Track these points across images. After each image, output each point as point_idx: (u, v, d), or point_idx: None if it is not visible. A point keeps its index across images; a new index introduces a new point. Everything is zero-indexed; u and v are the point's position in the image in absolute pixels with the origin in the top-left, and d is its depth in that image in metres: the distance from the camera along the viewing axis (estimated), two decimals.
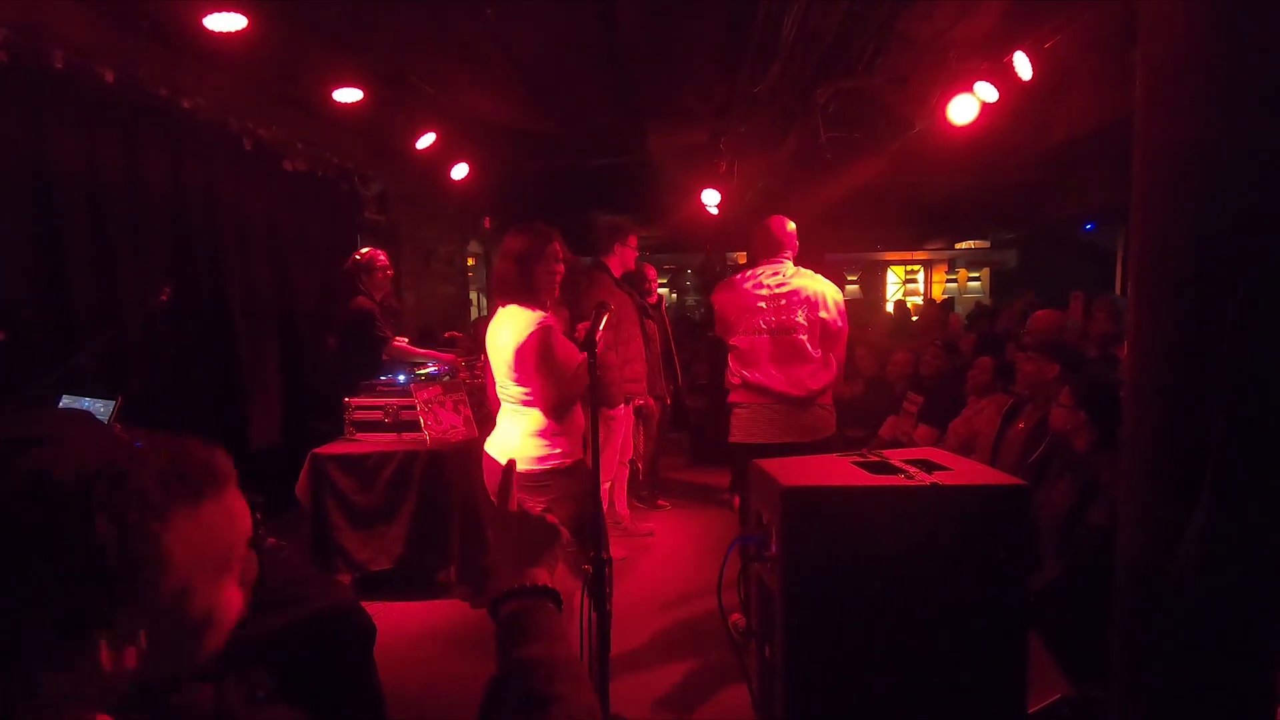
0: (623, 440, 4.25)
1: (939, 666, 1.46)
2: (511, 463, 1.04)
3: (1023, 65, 3.78)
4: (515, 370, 2.28)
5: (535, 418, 2.31)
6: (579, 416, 2.37)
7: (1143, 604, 1.44)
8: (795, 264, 3.04)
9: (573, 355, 2.26)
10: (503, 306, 2.36)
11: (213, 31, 3.24)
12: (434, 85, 4.69)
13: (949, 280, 12.47)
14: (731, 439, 3.03)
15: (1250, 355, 1.26)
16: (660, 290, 5.36)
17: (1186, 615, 1.38)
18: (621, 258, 4.01)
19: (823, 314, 2.94)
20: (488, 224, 9.32)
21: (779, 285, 2.96)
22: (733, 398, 3.04)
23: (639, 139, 6.10)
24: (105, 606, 0.63)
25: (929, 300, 11.31)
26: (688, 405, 6.27)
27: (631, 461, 5.11)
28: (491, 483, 2.40)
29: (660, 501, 5.11)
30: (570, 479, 2.28)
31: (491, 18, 3.74)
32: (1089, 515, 2.08)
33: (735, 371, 3.01)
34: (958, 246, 12.23)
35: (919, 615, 1.45)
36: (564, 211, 4.83)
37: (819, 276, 3.04)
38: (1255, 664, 1.31)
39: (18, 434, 1.09)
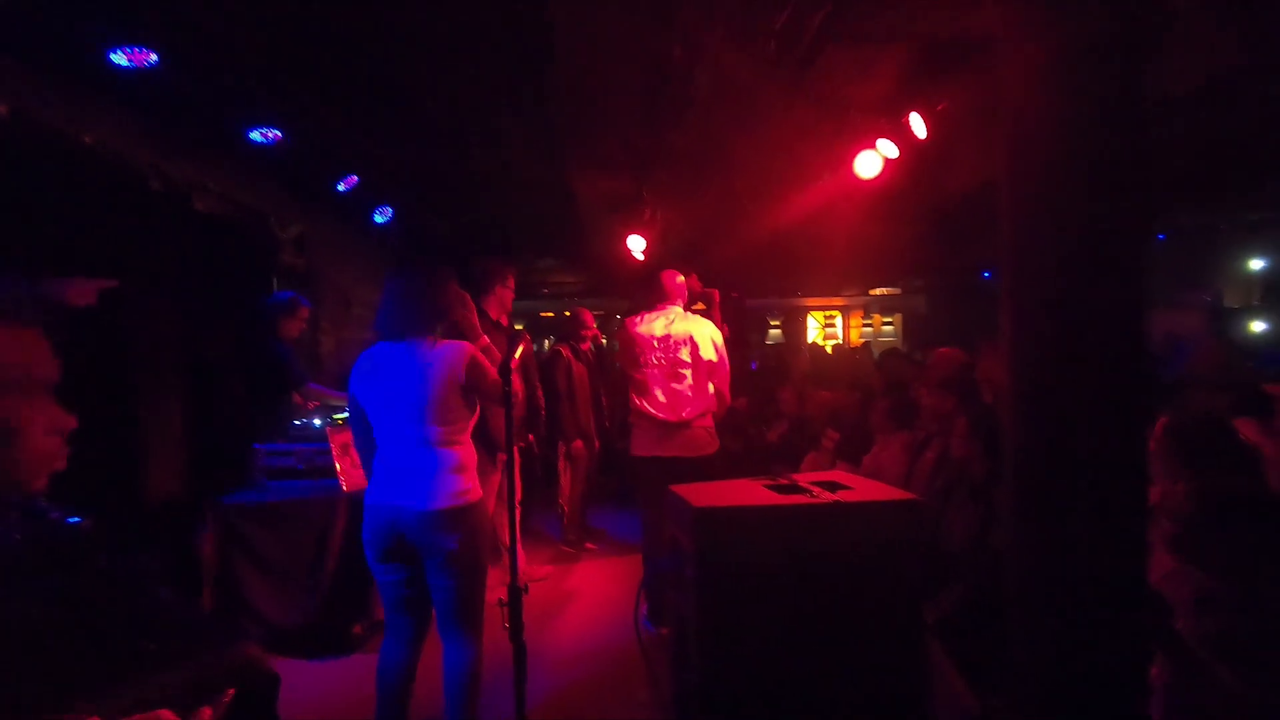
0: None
1: (849, 676, 1.50)
2: None
3: (917, 125, 4.11)
4: (435, 405, 2.22)
5: (450, 456, 2.24)
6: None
7: (1031, 610, 1.54)
8: (687, 309, 3.76)
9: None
10: (400, 343, 2.26)
11: (119, 66, 3.16)
12: (355, 127, 4.67)
13: (865, 325, 13.09)
14: (631, 452, 3.76)
15: (1101, 389, 1.41)
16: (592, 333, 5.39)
17: (1069, 618, 1.48)
18: (500, 299, 3.98)
19: (703, 353, 3.60)
20: None
21: (667, 328, 3.64)
22: (631, 419, 3.76)
23: (565, 185, 6.22)
24: None
25: (847, 343, 11.81)
26: (617, 448, 6.28)
27: (559, 504, 5.06)
28: (372, 533, 2.29)
29: (588, 545, 5.06)
30: (482, 512, 2.27)
31: (412, 60, 3.79)
32: (989, 539, 2.21)
33: (633, 398, 3.71)
34: (872, 293, 12.89)
35: (828, 626, 1.49)
36: (489, 256, 4.83)
37: (702, 319, 3.72)
38: (1129, 654, 1.42)
39: None
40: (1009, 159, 1.66)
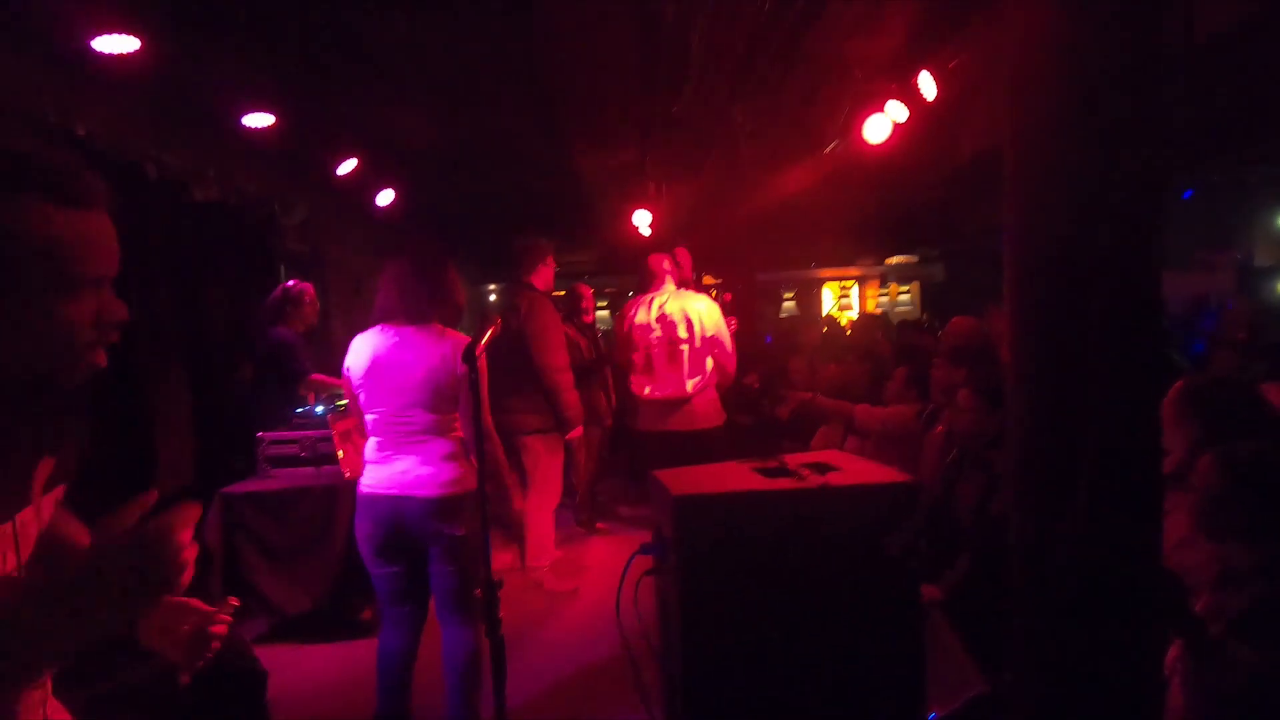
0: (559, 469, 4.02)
1: (838, 668, 1.44)
2: None
3: (927, 85, 3.93)
4: (435, 392, 2.17)
5: (450, 443, 2.22)
6: None
7: (1034, 586, 1.47)
8: (687, 287, 3.90)
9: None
10: (403, 327, 2.23)
11: (103, 54, 3.10)
12: (350, 106, 4.60)
13: (881, 294, 12.86)
14: (636, 428, 3.93)
15: (1112, 354, 1.32)
16: (601, 311, 5.32)
17: (1073, 594, 1.41)
18: (544, 278, 3.91)
19: (699, 329, 3.69)
20: None
21: (662, 307, 3.75)
22: (632, 400, 3.92)
23: (567, 160, 6.11)
24: None
25: (864, 314, 11.61)
26: (627, 426, 6.22)
27: (572, 485, 5.02)
28: (372, 525, 2.25)
29: (599, 525, 5.03)
30: (475, 501, 2.23)
31: (403, 32, 3.69)
32: (992, 507, 2.12)
33: (631, 381, 3.87)
34: (888, 262, 12.63)
35: (816, 617, 1.44)
36: (497, 235, 4.76)
37: (696, 295, 3.84)
38: (1138, 631, 1.34)
39: None
40: (1014, 119, 1.55)
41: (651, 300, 3.80)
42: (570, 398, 3.70)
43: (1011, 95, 1.50)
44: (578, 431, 3.83)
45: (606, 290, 13.26)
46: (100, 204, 0.82)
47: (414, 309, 2.20)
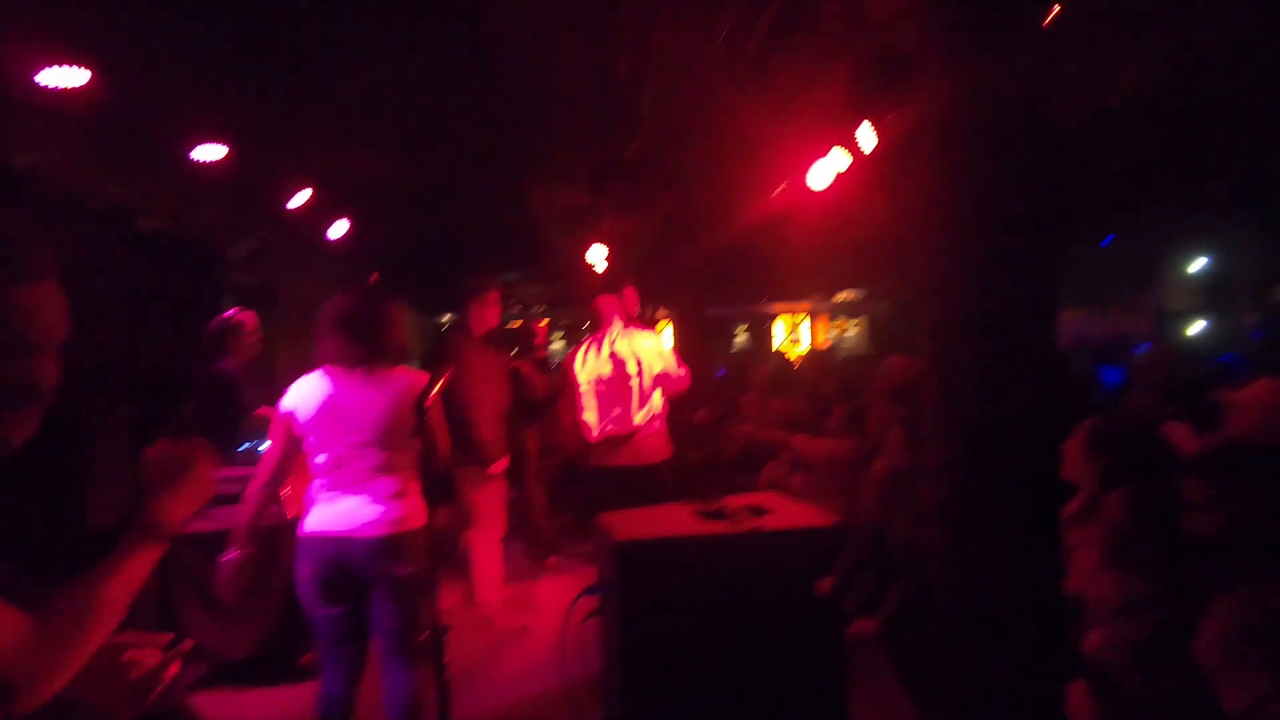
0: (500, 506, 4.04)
1: (769, 703, 1.50)
2: None
3: (866, 136, 4.15)
4: (389, 431, 2.18)
5: (398, 481, 2.21)
6: None
7: (958, 618, 1.56)
8: (634, 324, 4.05)
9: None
10: (351, 369, 2.24)
11: (49, 86, 3.07)
12: (305, 139, 4.60)
13: (832, 329, 13.23)
14: (589, 463, 4.01)
15: (1010, 390, 1.44)
16: (556, 345, 5.38)
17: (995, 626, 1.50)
18: (480, 316, 3.93)
19: (648, 366, 3.83)
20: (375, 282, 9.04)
21: (612, 345, 3.89)
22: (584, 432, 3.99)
23: (524, 196, 6.20)
24: None
25: (812, 349, 11.90)
26: (578, 462, 6.23)
27: (530, 521, 4.99)
28: (316, 567, 2.24)
29: (551, 560, 5.00)
30: (423, 539, 2.22)
31: (360, 69, 3.74)
32: (918, 537, 2.22)
33: (581, 421, 3.93)
34: (836, 299, 13.03)
35: (748, 652, 1.49)
36: (453, 269, 4.78)
37: (645, 333, 4.00)
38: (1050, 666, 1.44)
39: None
40: (925, 188, 1.70)
41: (601, 339, 3.94)
42: (482, 432, 3.72)
43: (925, 169, 1.65)
44: (500, 465, 3.86)
45: (563, 322, 13.30)
46: (49, 275, 0.87)
47: (357, 353, 2.22)
